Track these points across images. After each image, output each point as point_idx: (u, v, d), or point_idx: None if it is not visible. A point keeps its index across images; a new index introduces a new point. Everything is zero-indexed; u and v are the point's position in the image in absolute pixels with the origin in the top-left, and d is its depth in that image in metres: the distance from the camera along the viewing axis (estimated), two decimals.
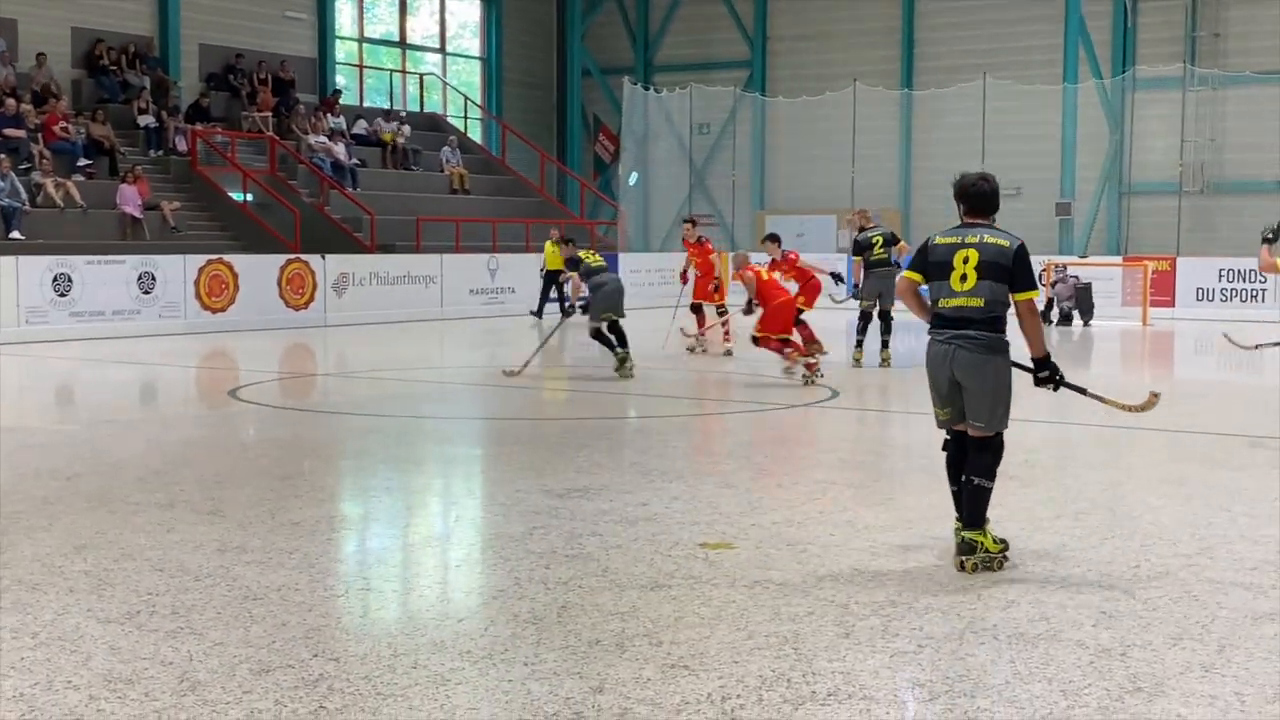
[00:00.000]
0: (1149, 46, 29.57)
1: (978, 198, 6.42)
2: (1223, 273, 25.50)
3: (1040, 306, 21.44)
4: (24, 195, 20.96)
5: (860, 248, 16.05)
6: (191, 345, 18.51)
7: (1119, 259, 27.18)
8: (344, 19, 31.55)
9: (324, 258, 22.43)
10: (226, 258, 21.18)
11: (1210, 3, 29.13)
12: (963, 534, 6.26)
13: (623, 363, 14.44)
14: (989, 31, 30.88)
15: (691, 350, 17.35)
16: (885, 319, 15.86)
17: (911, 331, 22.94)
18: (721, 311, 17.74)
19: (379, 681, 4.70)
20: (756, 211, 33.89)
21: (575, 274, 14.79)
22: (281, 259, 21.88)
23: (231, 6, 28.35)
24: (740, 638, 5.21)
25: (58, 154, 22.62)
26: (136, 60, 26.26)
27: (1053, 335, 21.31)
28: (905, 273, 6.55)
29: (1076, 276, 23.91)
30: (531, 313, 23.87)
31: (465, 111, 34.42)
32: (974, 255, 6.23)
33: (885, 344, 15.81)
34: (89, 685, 4.64)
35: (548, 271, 23.49)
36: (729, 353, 17.04)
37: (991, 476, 6.30)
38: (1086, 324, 23.26)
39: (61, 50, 25.47)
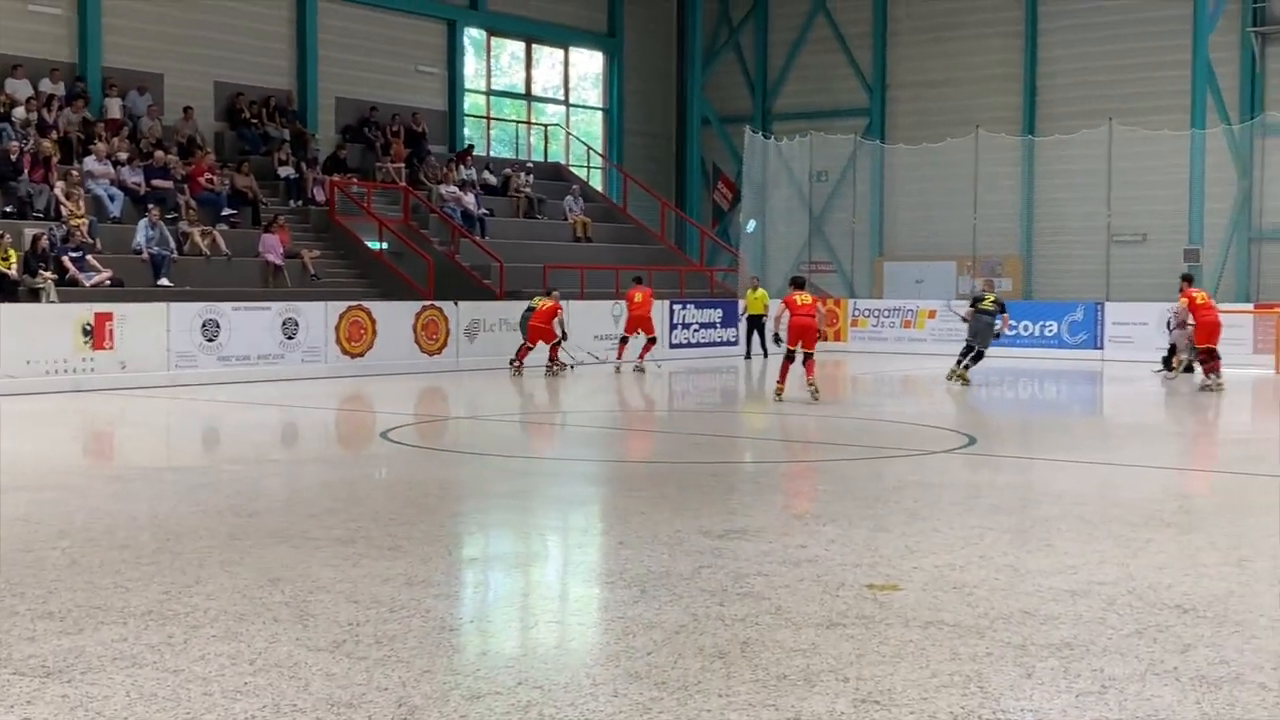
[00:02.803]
0: (1277, 91, 29.21)
1: None
2: None
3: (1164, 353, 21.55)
4: (172, 244, 21.79)
5: (974, 300, 21.68)
6: (334, 388, 19.09)
7: (1250, 306, 26.78)
8: (470, 71, 32.35)
9: (456, 304, 22.98)
10: (365, 304, 21.81)
11: None
12: None
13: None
14: (1113, 77, 30.75)
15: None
16: (979, 356, 20.96)
17: (1036, 379, 22.75)
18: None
19: (585, 709, 4.92)
20: (875, 258, 33.96)
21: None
22: (417, 305, 22.47)
23: (366, 61, 29.27)
24: (924, 675, 5.36)
25: (203, 204, 23.49)
26: (276, 113, 27.19)
27: (1180, 385, 21.06)
28: None
29: (1193, 324, 23.42)
30: (746, 356, 27.21)
31: (588, 161, 35.03)
32: None
33: (967, 367, 20.63)
34: (314, 709, 4.92)
35: (749, 316, 26.99)
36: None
37: None
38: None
39: (205, 104, 26.49)
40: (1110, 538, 8.16)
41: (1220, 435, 15.59)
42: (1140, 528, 8.49)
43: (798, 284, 18.67)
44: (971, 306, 21.23)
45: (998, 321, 20.76)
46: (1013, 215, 32.12)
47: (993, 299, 21.13)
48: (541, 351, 21.96)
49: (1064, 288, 30.82)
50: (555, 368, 21.95)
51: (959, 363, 20.75)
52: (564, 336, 21.97)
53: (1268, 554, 7.76)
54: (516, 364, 21.97)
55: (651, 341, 24.07)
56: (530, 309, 22.25)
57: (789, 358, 18.12)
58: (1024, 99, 32.18)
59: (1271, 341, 24.39)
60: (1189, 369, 22.75)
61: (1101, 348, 27.45)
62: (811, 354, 17.99)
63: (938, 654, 5.65)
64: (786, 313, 17.79)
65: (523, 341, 22.16)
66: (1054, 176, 31.45)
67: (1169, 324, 23.72)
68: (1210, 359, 19.88)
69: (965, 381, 20.35)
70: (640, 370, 23.36)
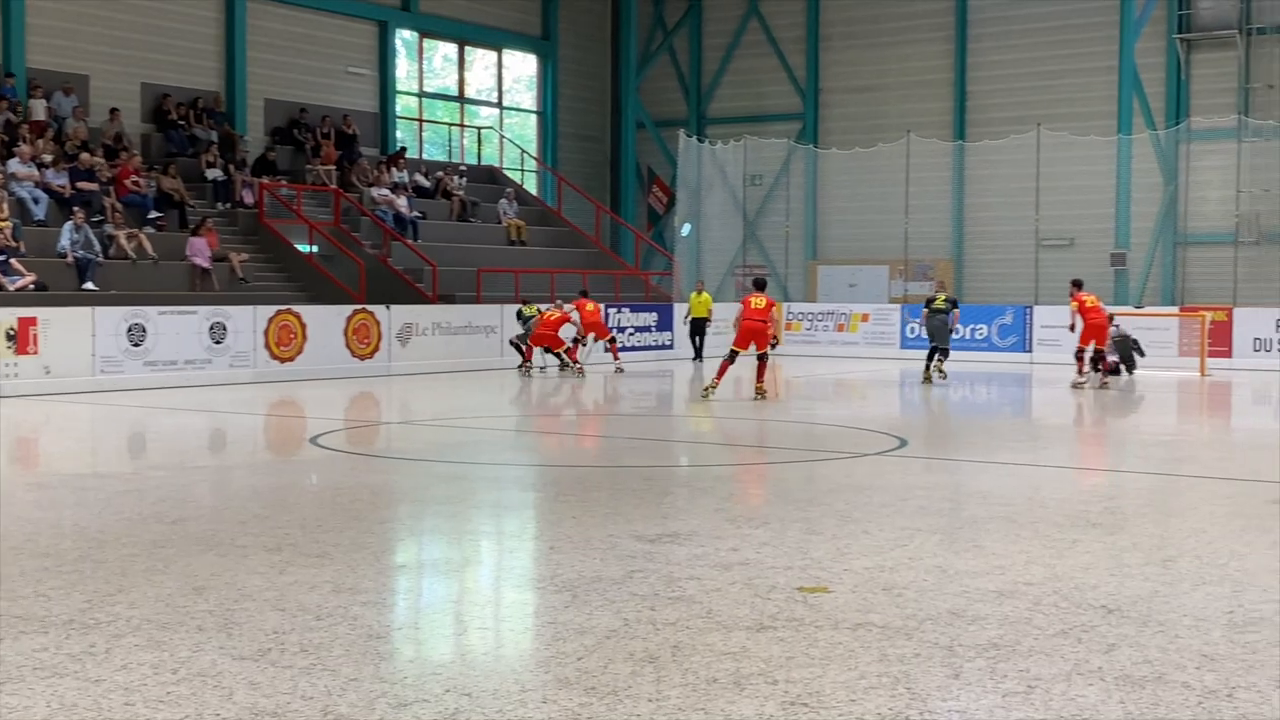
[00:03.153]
0: (1202, 98, 29.72)
1: None
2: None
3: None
4: (97, 247, 21.47)
5: (927, 302, 22.60)
6: (262, 393, 18.88)
7: (1175, 309, 27.21)
8: (402, 73, 32.16)
9: (389, 308, 22.83)
10: (295, 308, 21.60)
11: (1263, 55, 29.28)
12: None
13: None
14: (1042, 83, 31.14)
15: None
16: (945, 353, 21.93)
17: (967, 383, 23.01)
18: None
19: (513, 716, 4.89)
20: (809, 262, 34.15)
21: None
22: (348, 309, 22.29)
23: (295, 62, 29.01)
24: (853, 677, 5.38)
25: (129, 206, 23.17)
26: (204, 115, 26.89)
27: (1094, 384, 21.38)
28: None
29: (1118, 326, 23.76)
30: (695, 360, 27.42)
31: (522, 164, 34.94)
32: None
33: (937, 367, 21.63)
34: (237, 718, 4.85)
35: (693, 319, 27.42)
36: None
37: None
38: (1130, 373, 23.17)
39: (131, 105, 26.14)
40: (1037, 538, 8.24)
41: (1145, 437, 15.81)
42: (1067, 528, 8.58)
43: (758, 285, 19.08)
44: (925, 308, 22.30)
45: (949, 318, 21.86)
46: (944, 219, 32.43)
47: (944, 298, 22.29)
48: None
49: (994, 291, 31.16)
50: (576, 367, 22.90)
51: (927, 366, 21.80)
52: (581, 340, 23.38)
53: (1191, 554, 7.87)
54: (525, 365, 23.18)
55: (613, 341, 24.47)
56: (529, 317, 23.37)
57: (729, 358, 18.24)
58: (954, 104, 32.50)
59: (1196, 344, 24.78)
60: (1115, 371, 23.09)
61: (1030, 350, 27.77)
62: (764, 356, 18.10)
63: (866, 656, 5.68)
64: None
65: (526, 345, 23.14)
66: (984, 181, 31.81)
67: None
68: (1100, 359, 21.50)
69: (943, 375, 21.66)
70: (621, 370, 23.88)
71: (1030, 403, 20.81)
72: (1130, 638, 5.96)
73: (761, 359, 18.24)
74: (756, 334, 17.98)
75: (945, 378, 21.61)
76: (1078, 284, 21.78)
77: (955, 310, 22.21)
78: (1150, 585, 7.02)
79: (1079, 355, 21.31)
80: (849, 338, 30.02)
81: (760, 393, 17.92)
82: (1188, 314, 25.99)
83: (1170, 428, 17.35)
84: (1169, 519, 9.11)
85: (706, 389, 18.33)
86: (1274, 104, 29.04)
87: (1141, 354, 23.57)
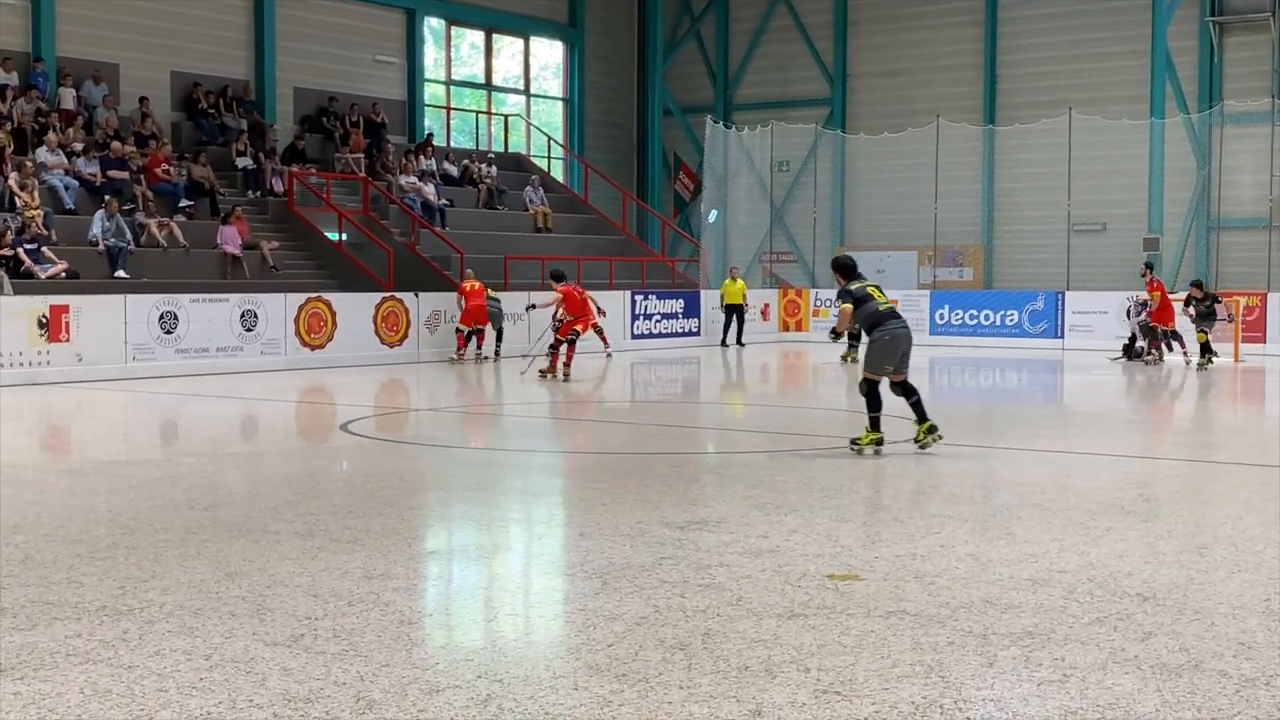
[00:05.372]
0: (1235, 81, 29.43)
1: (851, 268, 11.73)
2: None
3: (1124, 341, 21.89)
4: (129, 235, 21.56)
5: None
6: (293, 380, 18.94)
7: None
8: (430, 61, 32.17)
9: (417, 295, 22.86)
10: (325, 296, 21.66)
11: None
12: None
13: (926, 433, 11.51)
14: (1073, 66, 30.90)
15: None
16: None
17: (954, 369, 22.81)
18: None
19: (545, 702, 4.88)
20: (837, 248, 33.99)
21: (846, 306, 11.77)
22: (377, 297, 22.34)
23: (324, 51, 29.04)
24: (885, 665, 5.35)
25: (160, 195, 23.26)
26: (234, 104, 26.95)
27: (1134, 371, 21.24)
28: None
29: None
30: (723, 344, 27.61)
31: (548, 151, 34.90)
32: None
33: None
34: (270, 704, 4.86)
35: (727, 305, 27.54)
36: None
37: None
38: (1160, 360, 23.00)
39: (161, 94, 26.22)
40: (1071, 526, 8.19)
41: (1178, 423, 15.69)
42: (1100, 516, 8.52)
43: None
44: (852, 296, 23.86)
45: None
46: (974, 204, 32.24)
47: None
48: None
49: (1025, 277, 30.98)
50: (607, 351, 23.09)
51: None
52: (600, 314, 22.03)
53: (1226, 541, 7.80)
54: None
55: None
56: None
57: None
58: (984, 88, 32.29)
59: (1230, 329, 24.57)
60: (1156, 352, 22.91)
61: (1062, 336, 27.60)
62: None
63: (899, 644, 5.65)
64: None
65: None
66: (1014, 166, 31.60)
67: (1129, 312, 23.89)
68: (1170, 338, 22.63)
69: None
70: (609, 356, 23.50)
71: (1062, 389, 20.68)
72: (1166, 626, 5.91)
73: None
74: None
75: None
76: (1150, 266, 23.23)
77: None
78: (1186, 573, 6.96)
79: (1155, 333, 22.40)
80: None
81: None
82: (1222, 298, 25.73)
83: (1204, 414, 17.21)
84: (1204, 506, 9.04)
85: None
86: None
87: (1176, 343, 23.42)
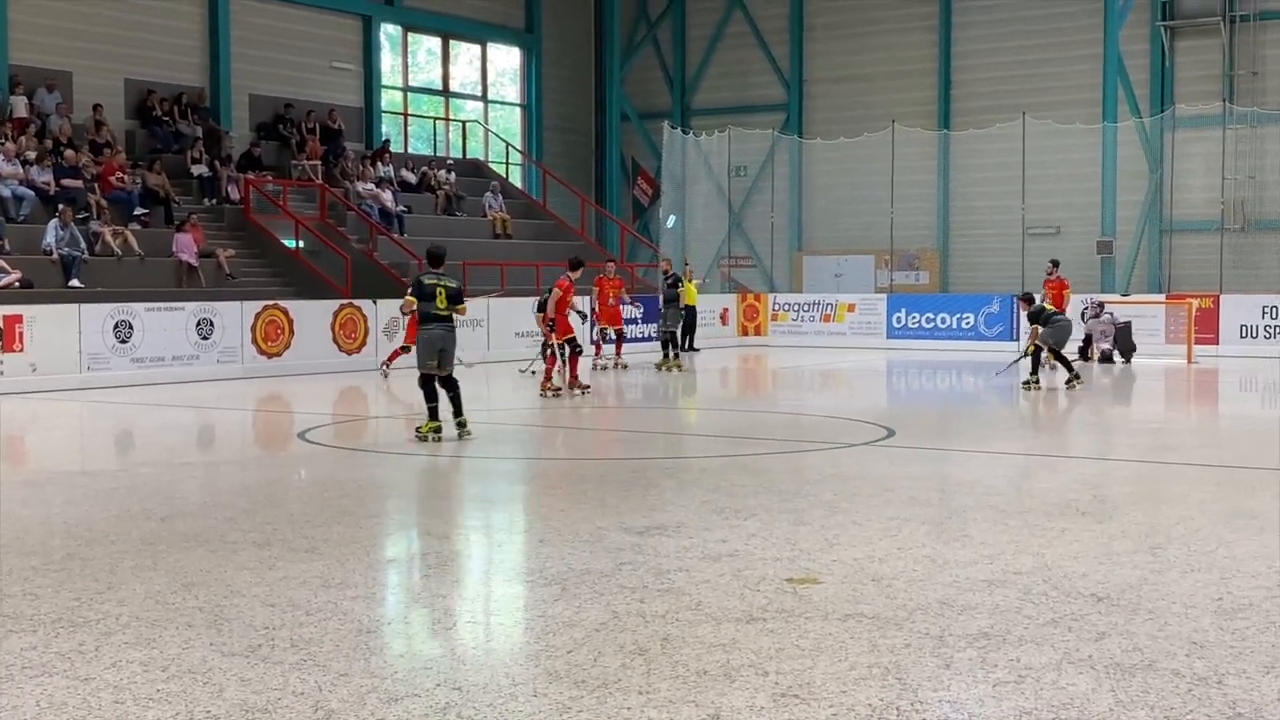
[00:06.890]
0: (1187, 85, 29.78)
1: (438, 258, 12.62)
2: (1266, 309, 25.60)
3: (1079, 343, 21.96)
4: (83, 244, 21.38)
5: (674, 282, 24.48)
6: (250, 389, 18.84)
7: (1162, 297, 27.28)
8: (387, 68, 32.08)
9: (375, 302, 22.78)
10: (282, 303, 21.55)
11: (1247, 41, 29.34)
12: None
13: None
14: (1027, 72, 31.17)
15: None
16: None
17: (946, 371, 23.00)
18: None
19: (504, 710, 4.89)
20: (794, 252, 34.15)
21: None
22: (334, 304, 22.24)
23: (280, 58, 28.91)
24: (843, 668, 5.39)
25: (114, 203, 23.08)
26: (188, 110, 26.78)
27: (1093, 373, 21.44)
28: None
29: (1112, 314, 23.88)
30: (689, 349, 27.10)
31: (506, 157, 34.88)
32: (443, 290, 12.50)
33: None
34: (228, 715, 4.85)
35: (687, 308, 26.58)
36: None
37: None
38: (1127, 362, 23.30)
39: (115, 101, 26.02)
40: (1026, 527, 8.26)
41: (1132, 425, 15.85)
42: (1055, 517, 8.60)
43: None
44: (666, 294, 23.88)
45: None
46: (929, 208, 32.46)
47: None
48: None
49: (980, 280, 31.20)
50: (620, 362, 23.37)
51: (673, 353, 23.42)
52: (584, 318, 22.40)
53: (1179, 541, 7.89)
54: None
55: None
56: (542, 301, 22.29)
57: None
58: (939, 94, 32.51)
59: (1183, 332, 24.84)
60: (1106, 359, 23.14)
61: (1018, 339, 27.78)
62: None
63: (857, 646, 5.69)
64: None
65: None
66: (969, 170, 31.84)
67: (1084, 314, 24.10)
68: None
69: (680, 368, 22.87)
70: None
71: (1017, 392, 20.82)
72: (1120, 626, 5.98)
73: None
74: None
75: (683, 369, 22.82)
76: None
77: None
78: (1139, 573, 7.04)
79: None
80: (835, 328, 30.04)
81: None
82: (1174, 301, 26.04)
83: (1157, 415, 17.40)
84: (1157, 507, 9.14)
85: None
86: (1258, 90, 29.12)
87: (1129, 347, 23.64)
